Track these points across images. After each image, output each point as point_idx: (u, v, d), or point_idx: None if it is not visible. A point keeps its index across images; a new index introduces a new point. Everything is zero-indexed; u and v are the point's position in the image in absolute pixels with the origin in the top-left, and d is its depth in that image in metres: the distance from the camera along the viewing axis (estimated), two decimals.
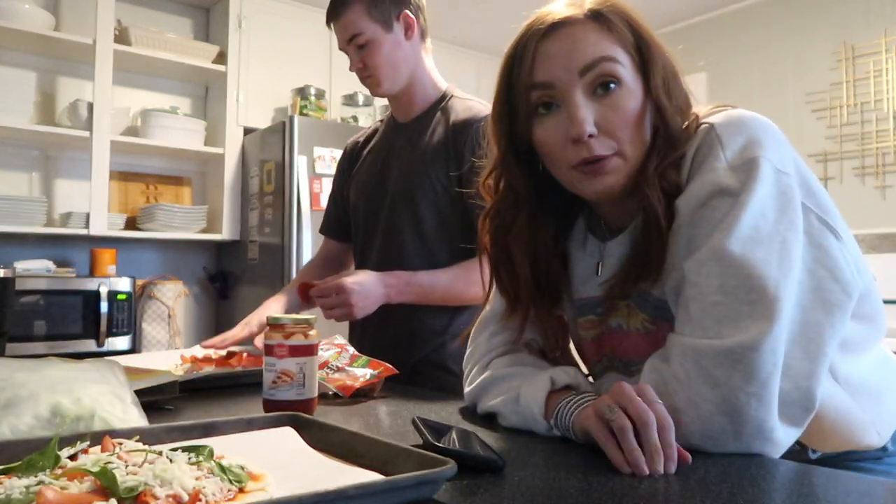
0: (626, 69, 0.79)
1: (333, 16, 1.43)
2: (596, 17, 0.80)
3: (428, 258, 1.40)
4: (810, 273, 0.73)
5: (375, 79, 1.41)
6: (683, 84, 0.84)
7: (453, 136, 1.37)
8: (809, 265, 0.73)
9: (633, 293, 0.84)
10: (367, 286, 1.28)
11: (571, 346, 1.01)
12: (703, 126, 0.79)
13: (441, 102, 1.46)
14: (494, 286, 0.99)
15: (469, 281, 1.31)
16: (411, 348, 1.40)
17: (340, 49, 1.45)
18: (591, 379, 0.94)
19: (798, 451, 0.78)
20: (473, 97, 1.48)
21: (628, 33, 0.80)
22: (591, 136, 0.78)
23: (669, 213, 0.79)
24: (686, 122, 0.82)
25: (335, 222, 1.67)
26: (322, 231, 1.72)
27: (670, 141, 0.80)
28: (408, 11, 1.41)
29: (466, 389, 0.96)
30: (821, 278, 0.73)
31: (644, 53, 0.80)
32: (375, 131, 1.61)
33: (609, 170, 0.79)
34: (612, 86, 0.78)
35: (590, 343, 0.94)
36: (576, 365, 0.96)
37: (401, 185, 1.43)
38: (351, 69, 1.45)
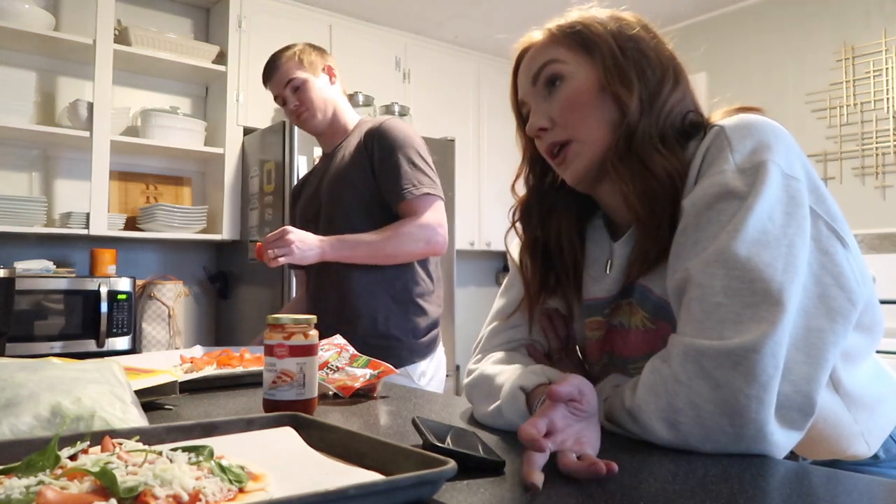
0: (569, 65, 0.87)
1: (272, 71, 1.77)
2: (548, 34, 0.90)
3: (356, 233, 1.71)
4: (816, 279, 0.73)
5: (311, 112, 1.76)
6: (680, 78, 0.88)
7: (365, 138, 1.72)
8: (815, 271, 0.73)
9: (636, 286, 0.86)
10: (304, 235, 1.59)
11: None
12: (714, 129, 0.79)
13: (356, 127, 1.81)
14: (506, 280, 1.04)
15: (385, 236, 1.64)
16: (356, 328, 1.67)
17: (275, 96, 1.80)
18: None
19: (790, 458, 0.78)
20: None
21: (571, 34, 0.88)
22: (543, 128, 0.89)
23: (671, 210, 0.80)
24: (683, 118, 0.86)
25: None
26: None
27: (632, 126, 0.83)
28: (330, 65, 1.82)
29: (465, 379, 0.99)
30: (826, 285, 0.73)
31: (588, 46, 0.86)
32: (315, 168, 1.95)
33: (571, 156, 0.88)
34: (556, 82, 0.88)
35: (594, 343, 0.95)
36: (581, 367, 0.96)
37: (333, 185, 1.75)
38: (288, 110, 1.78)
